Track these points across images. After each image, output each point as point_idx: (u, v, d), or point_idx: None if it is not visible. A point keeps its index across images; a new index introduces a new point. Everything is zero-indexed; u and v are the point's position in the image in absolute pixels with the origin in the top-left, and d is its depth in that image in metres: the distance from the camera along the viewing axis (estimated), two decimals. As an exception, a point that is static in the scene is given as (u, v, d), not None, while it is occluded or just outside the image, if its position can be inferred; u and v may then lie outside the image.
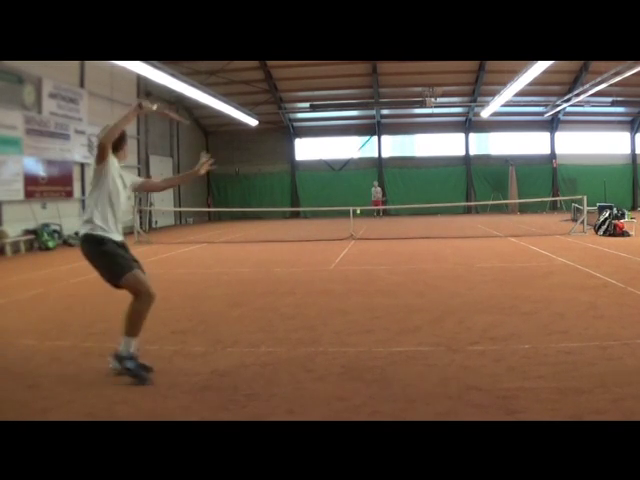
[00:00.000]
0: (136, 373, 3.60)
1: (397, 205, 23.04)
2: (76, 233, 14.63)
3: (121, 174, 3.89)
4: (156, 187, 4.65)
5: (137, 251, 13.48)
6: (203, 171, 4.17)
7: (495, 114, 21.95)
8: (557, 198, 22.23)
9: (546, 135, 25.34)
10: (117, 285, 3.76)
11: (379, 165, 25.58)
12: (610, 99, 21.04)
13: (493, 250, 10.40)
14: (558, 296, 5.96)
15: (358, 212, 20.47)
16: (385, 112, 24.65)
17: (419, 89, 21.39)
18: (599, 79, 17.15)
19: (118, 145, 3.79)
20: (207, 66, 17.73)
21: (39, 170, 13.56)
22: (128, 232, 15.84)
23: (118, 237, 3.88)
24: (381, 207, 22.41)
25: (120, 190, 3.90)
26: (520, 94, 18.03)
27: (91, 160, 15.20)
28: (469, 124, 25.08)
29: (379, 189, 23.49)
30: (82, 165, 15.44)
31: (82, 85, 15.32)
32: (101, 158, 3.69)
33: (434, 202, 20.29)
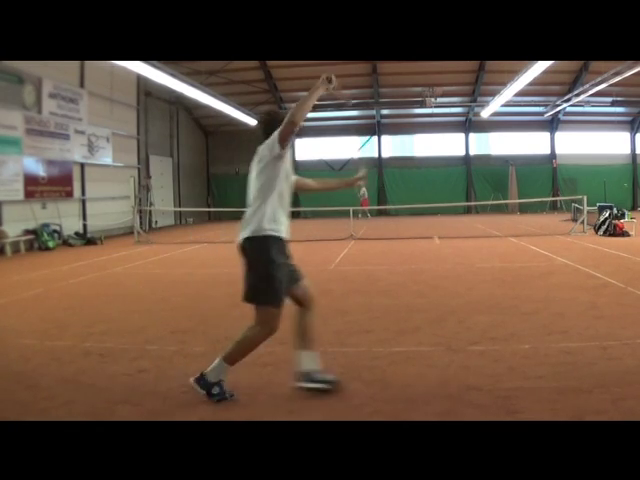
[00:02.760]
0: (221, 398, 3.22)
1: (397, 205, 23.02)
2: (76, 233, 14.67)
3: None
4: (309, 188, 3.76)
5: (137, 251, 13.41)
6: (356, 185, 3.84)
7: (495, 114, 21.95)
8: (557, 198, 22.23)
9: (546, 135, 25.34)
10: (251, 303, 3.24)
11: (379, 165, 25.58)
12: (610, 99, 21.04)
13: (493, 250, 10.40)
14: (558, 296, 5.96)
15: (360, 215, 20.46)
16: (385, 112, 24.65)
17: (419, 89, 21.40)
18: (599, 79, 17.15)
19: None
20: (207, 66, 17.73)
21: (39, 170, 13.56)
22: (128, 232, 15.88)
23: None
24: (367, 207, 20.80)
25: (289, 185, 3.34)
26: (520, 94, 18.03)
27: (92, 160, 15.08)
28: (469, 124, 25.08)
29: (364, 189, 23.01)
30: (82, 165, 15.45)
31: (82, 85, 15.32)
32: (287, 142, 3.10)
33: (434, 202, 20.28)
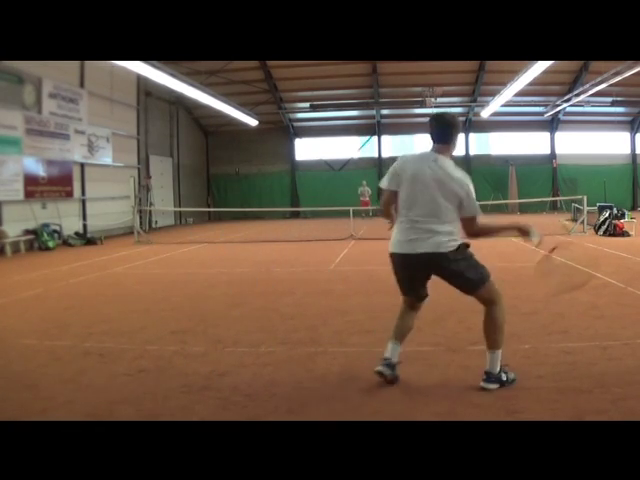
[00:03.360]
0: (511, 379, 3.41)
1: (397, 205, 22.98)
2: (76, 233, 14.67)
3: None
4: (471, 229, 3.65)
5: (137, 251, 13.43)
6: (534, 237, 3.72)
7: (495, 114, 21.95)
8: (557, 198, 22.22)
9: (546, 135, 25.32)
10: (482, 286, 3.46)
11: (379, 165, 25.57)
12: (610, 99, 21.03)
13: (493, 250, 10.39)
14: (558, 296, 5.95)
15: (364, 215, 20.45)
16: (385, 112, 24.64)
17: (419, 89, 21.39)
18: (599, 79, 17.15)
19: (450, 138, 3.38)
20: (207, 66, 17.72)
21: (39, 170, 13.56)
22: (128, 232, 15.88)
23: None
24: (370, 207, 20.98)
25: None
26: (520, 94, 18.02)
27: (92, 160, 15.13)
28: (469, 124, 25.07)
29: (368, 189, 22.59)
30: (82, 165, 15.45)
31: (82, 85, 15.32)
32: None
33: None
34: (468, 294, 3.51)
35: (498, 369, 3.37)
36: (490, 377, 3.35)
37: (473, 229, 3.45)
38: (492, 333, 3.42)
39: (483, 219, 3.51)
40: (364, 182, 23.12)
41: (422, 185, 3.28)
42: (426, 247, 3.30)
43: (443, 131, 3.34)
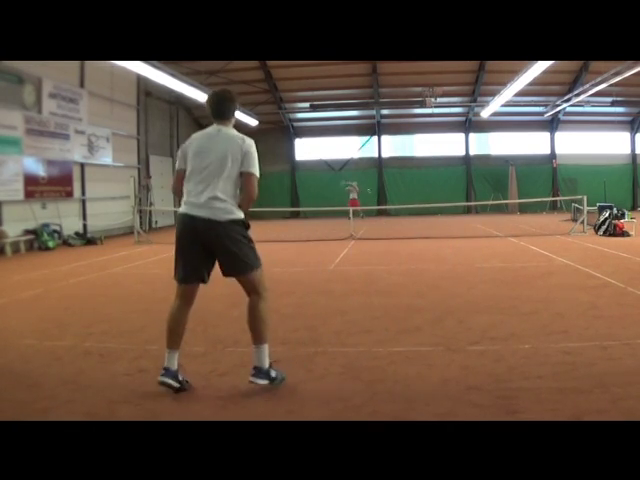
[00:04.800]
0: (281, 377, 3.43)
1: (397, 205, 23.02)
2: (76, 233, 14.66)
3: None
4: None
5: (137, 251, 13.44)
6: None
7: (495, 114, 21.94)
8: (557, 198, 22.22)
9: (546, 135, 25.32)
10: (242, 274, 3.42)
11: (379, 165, 25.58)
12: (610, 99, 21.02)
13: (493, 250, 10.40)
14: (558, 296, 5.96)
15: (362, 215, 20.41)
16: (385, 112, 24.63)
17: (419, 89, 21.38)
18: (599, 79, 17.14)
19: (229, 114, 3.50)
20: (207, 66, 17.72)
21: (39, 170, 13.55)
22: (128, 232, 15.88)
23: None
24: (359, 208, 19.84)
25: None
26: (520, 94, 18.02)
27: (92, 160, 15.11)
28: (469, 124, 25.07)
29: (355, 187, 21.98)
30: (82, 165, 15.44)
31: (82, 85, 15.31)
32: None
33: (434, 202, 20.27)
34: (235, 275, 3.43)
35: (267, 364, 3.36)
36: (259, 372, 3.33)
37: (252, 186, 3.40)
38: (257, 326, 3.39)
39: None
40: (354, 182, 22.75)
41: (205, 156, 3.37)
42: (207, 213, 3.30)
43: (222, 107, 3.47)
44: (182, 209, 3.42)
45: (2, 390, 3.51)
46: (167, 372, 3.38)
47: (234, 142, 3.38)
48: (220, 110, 3.47)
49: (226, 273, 3.45)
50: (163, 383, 3.34)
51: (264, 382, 3.34)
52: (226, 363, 3.98)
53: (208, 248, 3.37)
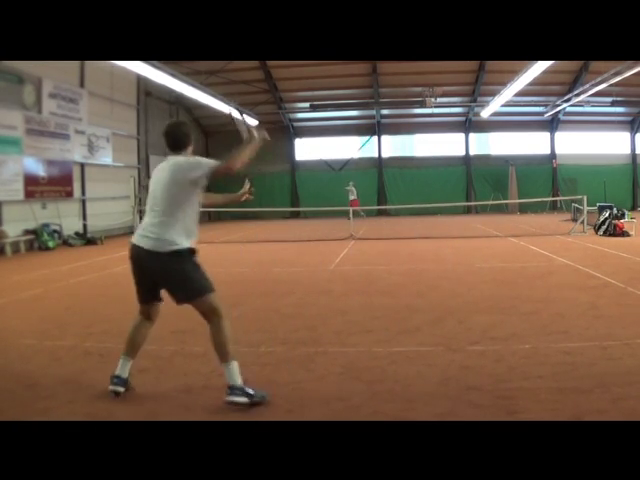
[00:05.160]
0: (259, 398, 3.22)
1: (397, 205, 23.02)
2: (76, 233, 14.66)
3: None
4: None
5: (137, 251, 13.00)
6: (243, 199, 4.05)
7: (495, 114, 21.95)
8: (557, 198, 22.22)
9: (546, 135, 25.33)
10: (191, 302, 3.35)
11: (379, 165, 25.58)
12: (610, 99, 21.03)
13: (493, 250, 10.40)
14: (558, 296, 5.96)
15: (363, 214, 20.42)
16: (385, 112, 24.64)
17: (419, 89, 21.38)
18: (599, 79, 17.15)
19: (184, 145, 3.52)
20: (207, 66, 17.71)
21: (39, 170, 13.56)
22: (128, 232, 15.86)
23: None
24: (359, 208, 19.83)
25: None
26: (520, 94, 18.03)
27: (92, 160, 15.10)
28: (469, 124, 25.08)
29: (353, 188, 22.05)
30: (82, 165, 15.44)
31: (82, 85, 15.31)
32: (216, 179, 3.42)
33: (434, 202, 20.27)
34: (185, 302, 3.35)
35: (239, 381, 3.20)
36: (234, 390, 3.17)
37: (223, 168, 3.35)
38: (221, 345, 3.29)
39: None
40: (351, 182, 22.77)
41: (155, 186, 3.37)
42: (149, 244, 3.28)
43: (175, 141, 3.47)
44: (133, 238, 3.44)
45: (2, 390, 3.51)
46: (119, 380, 3.38)
47: (177, 166, 3.34)
48: (170, 143, 3.47)
49: (177, 302, 3.38)
50: (114, 391, 3.34)
51: (244, 399, 3.15)
52: (226, 363, 3.98)
53: (152, 277, 3.36)
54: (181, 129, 3.54)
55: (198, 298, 3.30)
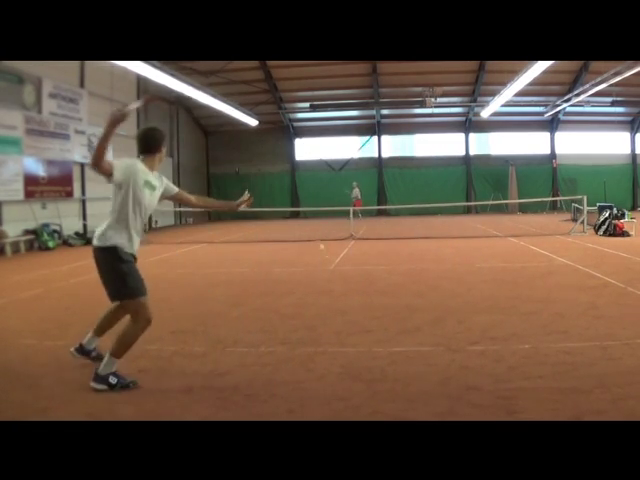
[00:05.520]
0: (123, 384, 3.48)
1: (397, 205, 23.03)
2: (76, 233, 14.67)
3: (148, 180, 3.62)
4: (188, 202, 4.14)
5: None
6: (241, 208, 4.21)
7: (495, 114, 21.97)
8: (557, 198, 22.23)
9: (546, 135, 25.35)
10: (120, 301, 3.67)
11: (379, 165, 25.59)
12: (610, 99, 21.05)
13: (493, 250, 10.40)
14: (558, 296, 5.95)
15: (360, 215, 20.40)
16: (385, 112, 24.66)
17: (419, 89, 21.40)
18: (599, 79, 17.16)
19: (152, 149, 3.65)
20: (207, 66, 17.73)
21: (39, 170, 13.56)
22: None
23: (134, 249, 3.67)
24: (359, 207, 19.97)
25: (146, 196, 3.63)
26: (520, 94, 18.04)
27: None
28: (469, 124, 25.09)
29: (357, 189, 22.26)
30: (82, 165, 15.44)
31: (82, 85, 15.32)
32: (105, 176, 3.46)
33: (434, 202, 20.28)
34: (116, 299, 3.66)
35: (107, 372, 3.46)
36: (97, 377, 3.47)
37: (190, 200, 3.96)
38: (121, 343, 3.52)
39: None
40: (354, 183, 22.79)
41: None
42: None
43: (146, 145, 3.65)
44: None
45: (2, 390, 3.51)
46: (81, 348, 3.93)
47: None
48: (142, 146, 3.66)
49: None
50: (72, 353, 3.91)
51: (102, 387, 3.44)
52: (226, 363, 3.98)
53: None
54: (151, 136, 3.71)
55: (120, 299, 3.67)
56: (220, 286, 7.37)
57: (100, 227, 3.60)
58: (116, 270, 3.50)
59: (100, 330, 3.95)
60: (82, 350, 3.95)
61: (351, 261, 9.56)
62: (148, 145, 3.63)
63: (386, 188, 25.36)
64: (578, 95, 19.56)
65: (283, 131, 25.62)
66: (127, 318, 3.66)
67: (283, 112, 24.38)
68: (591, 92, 18.41)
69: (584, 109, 22.34)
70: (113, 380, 3.46)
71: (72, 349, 3.97)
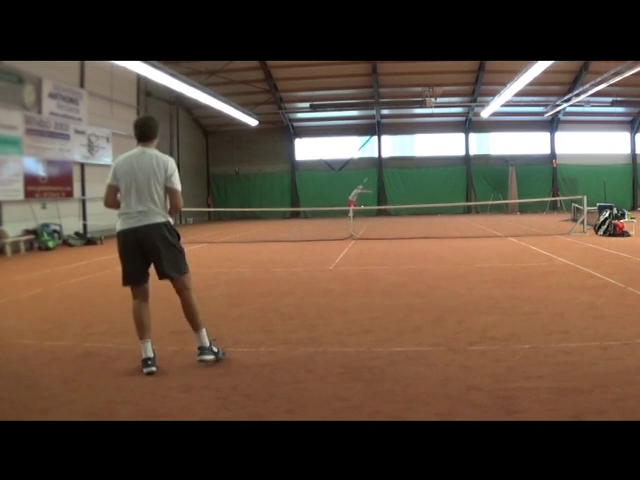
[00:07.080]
0: (222, 352, 3.99)
1: (397, 205, 23.03)
2: (76, 233, 14.67)
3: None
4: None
5: (137, 251, 13.03)
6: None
7: (495, 114, 21.97)
8: (557, 198, 22.24)
9: (546, 135, 25.36)
10: (179, 274, 3.94)
11: (379, 165, 25.59)
12: (610, 99, 21.06)
13: (493, 250, 10.40)
14: (558, 296, 5.95)
15: (362, 207, 20.38)
16: (385, 112, 24.66)
17: (419, 89, 21.42)
18: (599, 79, 17.16)
19: (150, 136, 4.07)
20: (207, 66, 17.73)
21: (39, 170, 13.57)
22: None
23: None
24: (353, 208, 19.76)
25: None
26: (520, 94, 18.04)
27: (92, 160, 15.23)
28: (469, 124, 25.09)
29: (357, 191, 21.91)
30: (82, 165, 15.45)
31: (82, 85, 15.32)
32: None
33: (434, 202, 20.29)
34: (167, 276, 3.93)
35: (209, 343, 3.93)
36: (204, 350, 3.89)
37: (177, 199, 4.00)
38: (195, 312, 3.96)
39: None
40: (364, 180, 22.77)
41: (134, 175, 3.89)
42: (145, 221, 3.82)
43: (145, 132, 4.05)
44: (122, 225, 3.90)
45: (2, 390, 3.51)
46: (151, 361, 3.83)
47: (159, 161, 3.92)
48: (143, 133, 4.03)
49: (160, 275, 3.96)
50: (150, 372, 3.77)
51: (210, 357, 3.88)
52: (226, 363, 3.98)
53: (146, 254, 3.88)
54: (148, 122, 4.18)
55: (184, 273, 4.04)
56: (220, 286, 7.37)
57: (150, 207, 3.84)
58: (178, 246, 3.94)
59: (148, 332, 3.95)
60: (153, 361, 3.84)
61: (351, 261, 9.56)
62: (146, 134, 4.03)
63: (386, 188, 25.37)
64: (578, 95, 19.56)
65: (283, 131, 25.63)
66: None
67: (283, 112, 24.39)
68: (591, 92, 18.42)
69: (584, 109, 22.35)
70: (215, 348, 3.94)
71: (147, 370, 3.77)
